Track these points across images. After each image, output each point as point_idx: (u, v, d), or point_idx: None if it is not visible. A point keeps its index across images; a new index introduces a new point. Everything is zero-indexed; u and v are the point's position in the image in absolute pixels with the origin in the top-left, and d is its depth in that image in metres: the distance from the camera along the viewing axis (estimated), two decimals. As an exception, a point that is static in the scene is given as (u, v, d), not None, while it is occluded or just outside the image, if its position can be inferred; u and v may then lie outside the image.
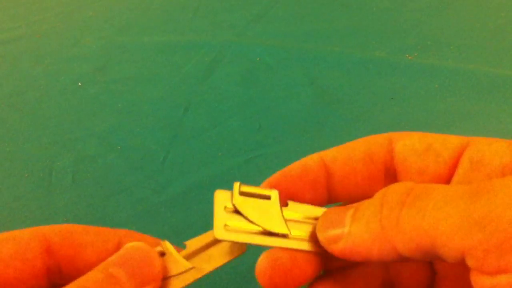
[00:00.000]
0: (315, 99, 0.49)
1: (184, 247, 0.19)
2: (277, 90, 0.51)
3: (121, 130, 0.47)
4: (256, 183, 0.41)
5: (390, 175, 0.19)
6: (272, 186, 0.19)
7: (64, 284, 0.16)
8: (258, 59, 0.55)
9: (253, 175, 0.40)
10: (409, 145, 0.18)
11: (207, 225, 0.36)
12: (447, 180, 0.17)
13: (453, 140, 0.17)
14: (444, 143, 0.17)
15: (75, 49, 0.60)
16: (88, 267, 0.16)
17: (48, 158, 0.44)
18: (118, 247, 0.18)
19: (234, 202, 0.18)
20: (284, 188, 0.19)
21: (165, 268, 0.18)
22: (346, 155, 0.18)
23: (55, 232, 0.17)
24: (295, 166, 0.19)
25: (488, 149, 0.16)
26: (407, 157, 0.18)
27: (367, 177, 0.18)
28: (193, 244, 0.19)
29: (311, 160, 0.19)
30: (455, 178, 0.17)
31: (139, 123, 0.48)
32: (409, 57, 0.53)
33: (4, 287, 0.15)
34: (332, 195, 0.19)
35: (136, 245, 0.17)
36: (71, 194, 0.40)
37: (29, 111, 0.50)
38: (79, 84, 0.54)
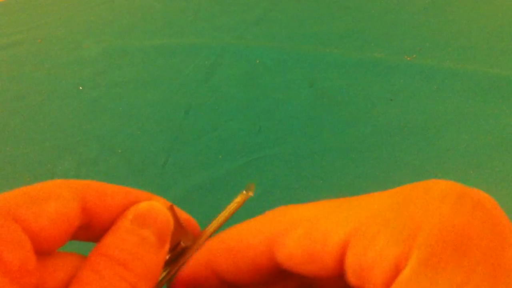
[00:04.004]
0: (314, 101, 0.49)
1: None
2: (277, 92, 0.51)
3: (122, 134, 0.47)
4: (257, 185, 0.41)
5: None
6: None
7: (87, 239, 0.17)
8: (257, 61, 0.56)
9: (253, 177, 0.41)
10: (289, 254, 0.16)
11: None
12: (340, 276, 0.15)
13: (334, 239, 0.14)
14: (325, 247, 0.15)
15: (76, 53, 0.61)
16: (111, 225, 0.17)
17: (50, 162, 0.44)
18: None
19: None
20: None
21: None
22: (230, 265, 0.18)
23: (91, 191, 0.17)
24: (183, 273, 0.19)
25: (369, 247, 0.13)
26: (293, 266, 0.16)
27: (262, 278, 0.18)
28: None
29: (201, 267, 0.19)
30: (350, 282, 0.15)
31: (139, 126, 0.48)
32: (408, 59, 0.53)
33: (49, 245, 0.15)
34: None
35: (154, 205, 0.18)
36: (73, 197, 0.40)
37: (31, 115, 0.51)
38: (80, 88, 0.54)
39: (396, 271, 0.13)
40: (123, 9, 0.70)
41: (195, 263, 0.19)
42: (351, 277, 0.14)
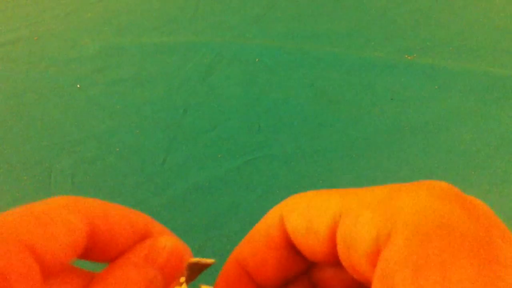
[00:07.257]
0: (314, 100, 0.49)
1: None
2: (277, 91, 0.50)
3: (120, 132, 0.47)
4: (256, 185, 0.41)
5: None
6: None
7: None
8: (257, 60, 0.55)
9: (253, 176, 0.40)
10: (293, 226, 0.18)
11: (207, 227, 0.36)
12: (335, 257, 0.17)
13: (329, 214, 0.16)
14: (320, 219, 0.17)
15: (74, 50, 0.60)
16: (114, 254, 0.17)
17: (47, 160, 0.44)
18: (144, 238, 0.18)
19: None
20: None
21: None
22: (251, 251, 0.19)
23: (97, 215, 0.17)
24: (219, 279, 0.19)
25: (355, 223, 0.15)
26: (296, 238, 0.18)
27: (279, 262, 0.19)
28: None
29: (231, 266, 0.19)
30: (341, 257, 0.16)
31: (138, 124, 0.47)
32: (409, 58, 0.53)
33: (55, 270, 0.15)
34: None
35: (173, 246, 0.17)
36: (70, 196, 0.40)
37: (28, 113, 0.50)
38: (78, 86, 0.54)
39: (377, 245, 0.14)
40: (121, 6, 0.69)
41: (227, 268, 0.19)
42: (340, 250, 0.16)
